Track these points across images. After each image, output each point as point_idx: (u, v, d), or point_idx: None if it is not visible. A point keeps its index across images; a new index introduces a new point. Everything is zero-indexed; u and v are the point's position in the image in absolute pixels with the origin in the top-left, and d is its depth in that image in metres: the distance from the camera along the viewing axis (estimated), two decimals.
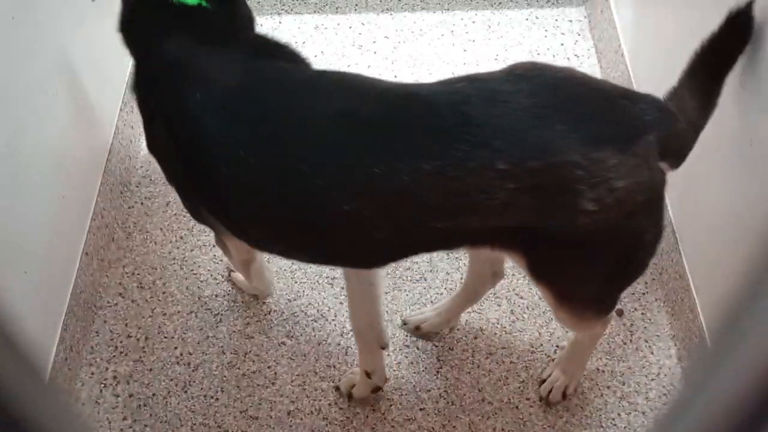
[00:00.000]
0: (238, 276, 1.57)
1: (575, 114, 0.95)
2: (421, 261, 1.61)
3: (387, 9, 2.12)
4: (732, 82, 1.25)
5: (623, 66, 1.78)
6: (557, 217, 0.96)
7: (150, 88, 1.10)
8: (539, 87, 0.97)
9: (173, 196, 1.72)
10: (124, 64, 1.77)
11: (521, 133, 0.93)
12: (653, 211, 1.04)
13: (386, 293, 1.56)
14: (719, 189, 1.32)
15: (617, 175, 0.93)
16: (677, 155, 1.06)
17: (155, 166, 1.76)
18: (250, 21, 1.17)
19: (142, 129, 1.81)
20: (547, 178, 0.93)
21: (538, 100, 0.95)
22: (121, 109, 1.71)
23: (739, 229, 1.25)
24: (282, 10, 2.12)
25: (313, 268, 1.60)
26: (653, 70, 1.64)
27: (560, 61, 1.98)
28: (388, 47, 2.03)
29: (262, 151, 0.99)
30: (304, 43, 2.03)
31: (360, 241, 1.03)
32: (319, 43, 2.03)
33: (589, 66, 1.96)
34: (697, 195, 1.42)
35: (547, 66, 1.05)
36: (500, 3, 2.13)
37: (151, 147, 1.16)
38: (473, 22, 2.08)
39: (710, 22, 1.34)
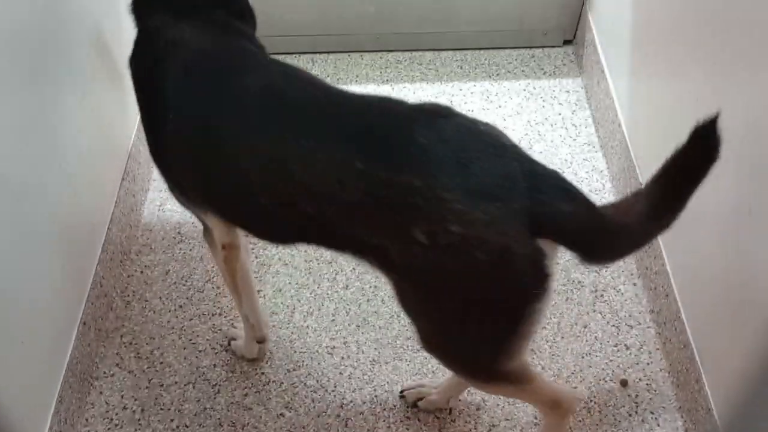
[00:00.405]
0: (238, 343, 1.56)
1: (457, 152, 0.97)
2: None
3: (387, 80, 2.16)
4: (728, 153, 1.26)
5: (620, 135, 1.80)
6: (395, 237, 0.99)
7: (139, 52, 1.27)
8: (445, 125, 1.01)
9: (173, 264, 1.72)
10: (126, 135, 1.79)
11: (391, 147, 0.99)
12: (503, 279, 0.98)
13: (387, 363, 1.54)
14: (720, 258, 1.32)
15: (456, 220, 0.94)
16: (583, 246, 1.01)
17: (156, 234, 1.78)
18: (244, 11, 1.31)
19: (143, 197, 1.84)
20: (392, 193, 0.97)
21: (435, 134, 0.99)
22: (123, 179, 1.72)
23: (741, 299, 1.24)
24: None
25: (311, 337, 1.59)
26: (650, 140, 1.66)
27: (559, 131, 2.00)
28: None
29: (196, 105, 1.13)
30: None
31: (254, 206, 1.12)
32: None
33: (587, 135, 1.99)
34: (697, 264, 1.42)
35: (461, 114, 1.06)
36: (498, 74, 2.17)
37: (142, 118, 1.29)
38: (472, 93, 2.12)
39: (704, 93, 1.36)
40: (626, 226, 1.04)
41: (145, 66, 1.24)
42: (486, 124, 1.04)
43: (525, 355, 1.14)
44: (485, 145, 1.00)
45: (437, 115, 1.03)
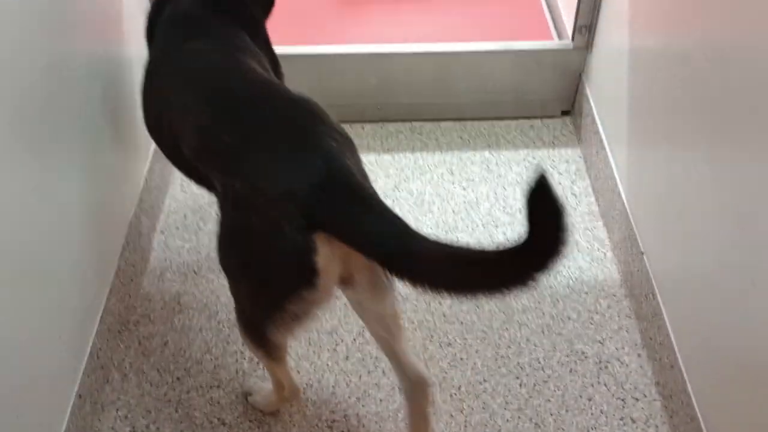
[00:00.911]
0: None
1: (279, 132, 1.15)
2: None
3: (388, 150, 2.18)
4: (730, 223, 1.26)
5: (620, 205, 1.81)
6: (217, 182, 1.19)
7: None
8: (289, 108, 1.20)
9: (172, 335, 1.70)
10: (128, 204, 1.80)
11: (231, 112, 1.20)
12: (272, 251, 1.10)
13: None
14: (725, 329, 1.30)
15: (244, 182, 1.11)
16: (369, 254, 1.07)
17: (155, 304, 1.76)
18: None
19: (144, 267, 1.83)
20: (216, 146, 1.18)
21: (273, 111, 1.19)
22: (123, 248, 1.72)
23: (749, 370, 1.22)
24: None
25: (311, 410, 1.56)
26: (650, 209, 1.66)
27: None
28: (390, 186, 2.07)
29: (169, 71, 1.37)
30: None
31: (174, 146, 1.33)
32: None
33: (587, 204, 1.99)
34: (702, 335, 1.40)
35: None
36: (498, 144, 2.19)
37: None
38: (472, 162, 2.13)
39: (702, 163, 1.37)
40: (422, 259, 1.05)
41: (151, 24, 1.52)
42: (323, 124, 1.17)
43: (292, 338, 1.28)
44: (307, 137, 1.12)
45: (294, 102, 1.21)
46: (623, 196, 1.81)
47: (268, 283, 1.15)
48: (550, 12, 2.45)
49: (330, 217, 1.06)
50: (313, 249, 1.07)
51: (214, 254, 1.88)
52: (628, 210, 1.77)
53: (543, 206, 0.94)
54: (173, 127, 1.30)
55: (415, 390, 1.38)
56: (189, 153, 1.26)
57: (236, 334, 1.69)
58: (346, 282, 1.19)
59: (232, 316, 1.73)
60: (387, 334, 1.36)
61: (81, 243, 1.51)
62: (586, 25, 2.07)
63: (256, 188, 1.09)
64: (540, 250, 0.96)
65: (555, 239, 0.94)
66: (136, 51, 1.86)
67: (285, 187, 1.07)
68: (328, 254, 1.08)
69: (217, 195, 1.21)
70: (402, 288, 1.78)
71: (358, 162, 1.18)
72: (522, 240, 0.96)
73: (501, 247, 0.99)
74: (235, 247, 1.17)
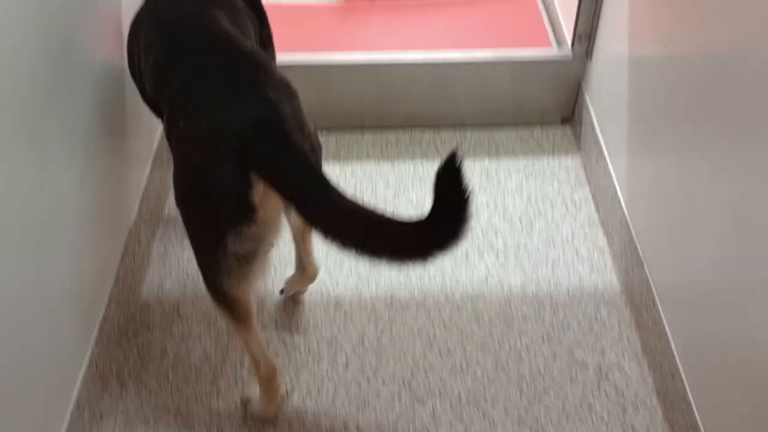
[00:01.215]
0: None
1: (227, 81, 1.23)
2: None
3: (387, 158, 2.18)
4: (729, 229, 1.26)
5: (620, 213, 1.81)
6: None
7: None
8: (242, 60, 1.28)
9: (171, 344, 1.69)
10: (127, 213, 1.79)
11: (187, 56, 1.31)
12: (210, 182, 1.19)
13: None
14: (726, 337, 1.30)
15: (187, 118, 1.22)
16: (291, 201, 1.16)
17: (154, 313, 1.76)
18: None
19: (143, 276, 1.83)
20: (165, 85, 1.32)
21: (225, 62, 1.27)
22: (123, 257, 1.71)
23: (750, 379, 1.22)
24: None
25: (310, 419, 1.55)
26: (651, 217, 1.66)
27: (559, 208, 2.01)
28: (390, 194, 2.07)
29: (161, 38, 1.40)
30: None
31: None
32: None
33: (587, 213, 1.99)
34: (703, 343, 1.40)
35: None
36: (497, 152, 2.19)
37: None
38: (471, 170, 2.13)
39: (702, 170, 1.37)
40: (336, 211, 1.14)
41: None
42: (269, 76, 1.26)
43: (248, 289, 1.32)
44: (247, 84, 1.22)
45: (243, 52, 1.30)
46: (623, 204, 1.81)
47: (209, 220, 1.23)
48: (550, 20, 2.45)
49: (258, 158, 1.16)
50: (249, 185, 1.17)
51: None
52: (628, 218, 1.77)
53: (450, 188, 1.01)
54: (140, 65, 1.45)
55: (303, 275, 1.69)
56: (149, 88, 1.41)
57: (235, 343, 1.69)
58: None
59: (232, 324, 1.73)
60: (301, 239, 1.60)
61: (80, 251, 1.51)
62: (586, 34, 2.07)
63: (197, 127, 1.20)
64: (441, 228, 1.04)
65: (456, 220, 1.02)
66: None
67: (221, 128, 1.17)
68: (264, 190, 1.17)
69: (168, 132, 1.31)
70: (402, 296, 1.78)
71: (298, 111, 1.27)
72: (425, 216, 1.04)
73: (405, 219, 1.08)
74: (181, 183, 1.25)
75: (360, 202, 1.13)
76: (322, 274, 1.84)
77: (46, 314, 1.36)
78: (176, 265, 1.88)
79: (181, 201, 1.27)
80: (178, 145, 1.25)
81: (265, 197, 1.18)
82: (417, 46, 2.26)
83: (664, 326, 1.55)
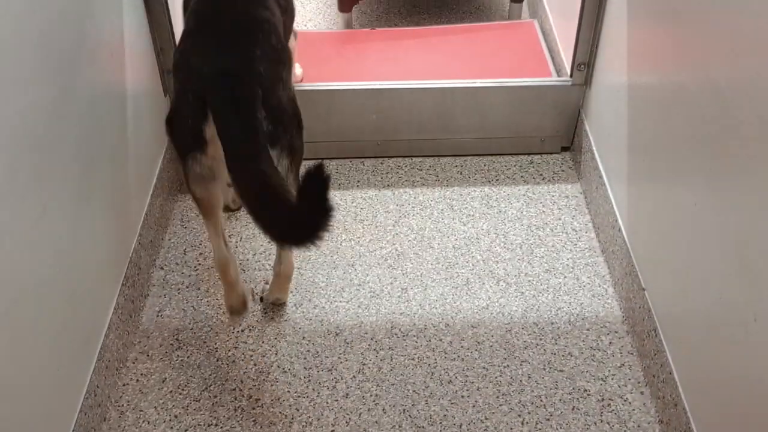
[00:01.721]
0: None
1: (219, 39, 1.48)
2: None
3: (388, 185, 2.19)
4: (731, 257, 1.26)
5: (621, 240, 1.81)
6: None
7: None
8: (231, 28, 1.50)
9: (170, 372, 1.68)
10: (128, 240, 1.79)
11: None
12: (188, 106, 1.44)
13: None
14: (728, 365, 1.29)
15: (179, 55, 1.51)
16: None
17: (153, 341, 1.75)
18: None
19: (143, 303, 1.83)
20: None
21: (218, 29, 1.51)
22: (123, 284, 1.71)
23: (753, 407, 1.21)
24: None
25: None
26: (651, 244, 1.66)
27: (559, 236, 2.01)
28: (390, 221, 2.07)
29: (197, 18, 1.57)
30: None
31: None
32: None
33: (588, 240, 1.99)
34: (705, 372, 1.39)
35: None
36: (498, 179, 2.20)
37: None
38: (472, 198, 2.14)
39: (702, 198, 1.37)
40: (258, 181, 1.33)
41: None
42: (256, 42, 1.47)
43: (207, 194, 1.56)
44: (238, 43, 1.44)
45: (250, 18, 1.52)
46: (623, 231, 1.81)
47: (178, 138, 1.51)
48: (549, 49, 2.47)
49: (212, 100, 1.37)
50: (205, 120, 1.38)
51: (213, 290, 1.88)
52: (629, 246, 1.77)
53: (315, 191, 1.24)
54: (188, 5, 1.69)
55: (278, 274, 1.76)
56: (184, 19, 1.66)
57: (235, 371, 1.68)
58: None
59: (231, 352, 1.72)
60: None
61: (79, 279, 1.51)
62: (585, 63, 2.09)
63: (187, 60, 1.45)
64: (309, 221, 1.26)
65: (322, 218, 1.24)
66: (138, 87, 1.87)
67: (199, 67, 1.41)
68: (212, 136, 1.37)
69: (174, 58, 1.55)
70: (402, 324, 1.78)
71: (276, 74, 1.47)
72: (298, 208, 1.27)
73: (287, 203, 1.29)
74: (172, 101, 1.56)
75: (273, 176, 1.32)
76: (322, 302, 1.84)
77: (45, 342, 1.35)
78: (176, 292, 1.87)
79: (167, 117, 1.55)
80: (174, 68, 1.52)
81: (216, 136, 1.37)
82: (417, 75, 2.27)
83: (666, 354, 1.54)
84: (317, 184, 1.24)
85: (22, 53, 1.26)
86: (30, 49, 1.29)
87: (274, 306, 1.83)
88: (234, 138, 1.34)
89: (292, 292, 1.86)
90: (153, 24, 1.97)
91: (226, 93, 1.37)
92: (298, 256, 1.96)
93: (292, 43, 1.98)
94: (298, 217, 1.28)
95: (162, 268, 1.94)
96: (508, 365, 1.69)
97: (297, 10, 1.94)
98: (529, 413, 1.60)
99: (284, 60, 1.52)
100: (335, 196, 2.14)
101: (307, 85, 2.18)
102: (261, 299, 1.84)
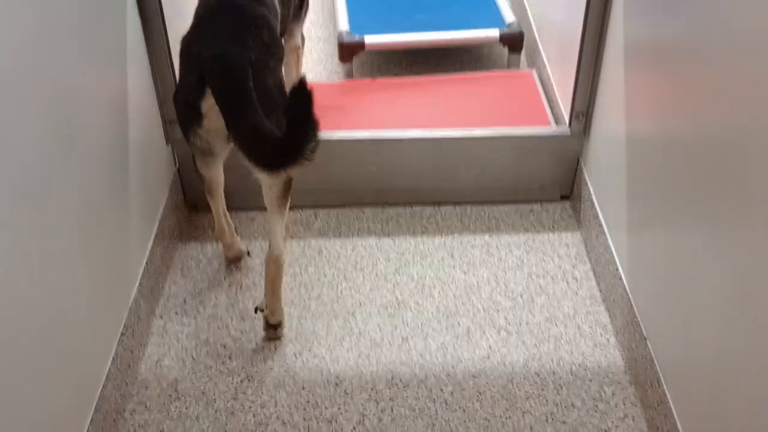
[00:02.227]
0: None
1: (220, 32, 1.66)
2: None
3: (388, 234, 2.19)
4: (733, 309, 1.25)
5: (621, 289, 1.80)
6: None
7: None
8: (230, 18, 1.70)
9: (168, 423, 1.66)
10: (127, 289, 1.79)
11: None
12: (192, 76, 1.64)
13: None
14: (732, 415, 1.28)
15: (187, 45, 1.67)
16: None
17: (152, 391, 1.73)
18: None
19: (141, 353, 1.81)
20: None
21: (219, 21, 1.70)
22: (122, 334, 1.70)
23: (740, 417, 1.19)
24: (287, 234, 2.18)
25: None
26: (652, 293, 1.65)
27: (560, 284, 2.00)
28: (390, 270, 2.06)
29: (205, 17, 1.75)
30: (307, 266, 2.07)
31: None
32: (322, 266, 2.07)
33: (589, 289, 1.99)
34: (711, 422, 1.37)
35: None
36: (498, 227, 2.20)
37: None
38: (472, 246, 2.14)
39: (702, 246, 1.37)
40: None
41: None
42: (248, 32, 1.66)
43: (209, 171, 1.86)
44: (237, 35, 1.63)
45: (251, 16, 1.70)
46: (624, 280, 1.80)
47: (182, 115, 1.71)
48: (547, 99, 2.50)
49: (210, 77, 1.57)
50: (201, 95, 1.60)
51: (213, 339, 1.87)
52: (630, 295, 1.76)
53: (300, 109, 1.41)
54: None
55: (269, 256, 1.81)
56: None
57: (234, 423, 1.66)
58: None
59: (230, 403, 1.70)
60: (268, 208, 1.78)
61: (78, 328, 1.50)
62: (583, 112, 2.11)
63: (188, 48, 1.66)
64: (292, 144, 1.44)
65: (302, 138, 1.43)
66: (141, 136, 1.89)
67: (200, 51, 1.61)
68: (212, 104, 1.57)
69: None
70: (403, 374, 1.76)
71: (267, 62, 1.65)
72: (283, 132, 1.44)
73: (275, 134, 1.47)
74: (177, 83, 1.75)
75: (262, 121, 1.50)
76: (321, 351, 1.83)
77: (41, 392, 1.34)
78: (175, 342, 1.86)
79: (174, 98, 1.74)
80: (180, 55, 1.68)
81: (211, 110, 1.59)
82: (417, 124, 2.29)
83: (669, 405, 1.52)
84: (301, 104, 1.41)
85: (27, 105, 1.28)
86: (35, 100, 1.31)
87: (272, 330, 1.86)
88: (228, 97, 1.54)
89: (291, 341, 1.85)
90: (156, 74, 2.00)
91: (222, 70, 1.57)
92: (298, 303, 1.95)
93: (297, 42, 2.36)
94: (286, 140, 1.45)
95: (161, 317, 1.93)
96: (510, 416, 1.67)
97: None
98: None
99: (273, 52, 1.71)
100: (335, 245, 2.14)
101: None
102: (256, 310, 1.90)
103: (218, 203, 1.96)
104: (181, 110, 1.72)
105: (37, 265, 1.32)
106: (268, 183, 1.71)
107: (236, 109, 1.53)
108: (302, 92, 1.39)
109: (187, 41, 1.68)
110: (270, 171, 1.49)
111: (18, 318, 1.25)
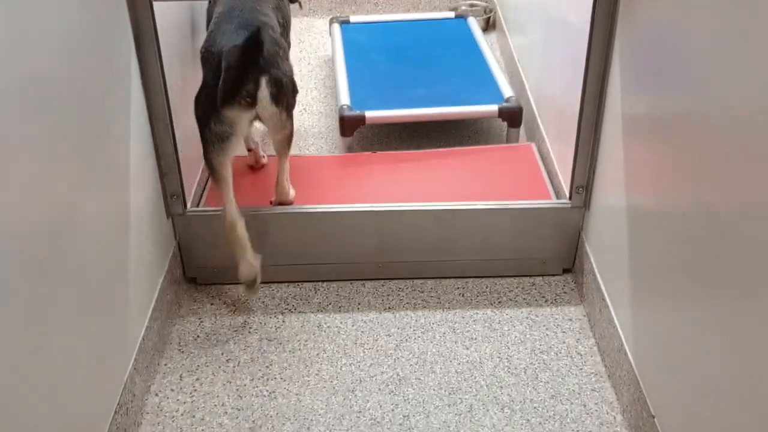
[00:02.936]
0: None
1: (235, 31, 1.98)
2: None
3: (389, 308, 2.16)
4: (742, 384, 1.22)
5: (627, 365, 1.77)
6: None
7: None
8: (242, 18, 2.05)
9: None
10: (122, 366, 1.76)
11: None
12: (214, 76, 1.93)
13: None
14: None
15: (207, 46, 2.02)
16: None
17: None
18: None
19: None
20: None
21: (235, 21, 2.04)
22: (116, 412, 1.66)
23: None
24: (286, 309, 2.16)
25: None
26: (659, 369, 1.62)
27: (564, 360, 1.96)
28: (391, 345, 2.03)
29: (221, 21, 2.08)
30: (306, 341, 2.04)
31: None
32: (321, 342, 2.04)
33: (593, 364, 1.95)
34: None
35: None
36: (500, 302, 2.18)
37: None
38: (474, 321, 2.11)
39: (707, 320, 1.34)
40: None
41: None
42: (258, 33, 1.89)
43: (221, 164, 2.00)
44: (247, 35, 1.87)
45: (259, 21, 2.02)
46: (630, 355, 1.77)
47: (205, 107, 1.94)
48: (547, 172, 2.51)
49: (227, 56, 1.85)
50: (257, 88, 1.91)
51: (209, 418, 1.82)
52: (636, 370, 1.72)
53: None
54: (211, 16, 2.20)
55: (278, 194, 2.27)
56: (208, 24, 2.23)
57: None
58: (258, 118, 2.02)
59: None
60: (277, 153, 2.23)
61: (71, 406, 1.46)
62: (583, 185, 2.12)
63: (209, 49, 1.95)
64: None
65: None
66: (141, 210, 1.89)
67: (220, 47, 1.90)
68: (266, 94, 1.94)
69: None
70: None
71: (277, 51, 1.99)
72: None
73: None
74: (201, 84, 1.98)
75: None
76: (320, 430, 1.78)
77: None
78: (170, 421, 1.81)
79: (196, 95, 1.96)
80: (201, 59, 1.99)
81: (263, 98, 1.94)
82: (418, 197, 2.30)
83: None
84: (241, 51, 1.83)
85: (28, 178, 1.28)
86: (36, 162, 1.31)
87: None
88: (224, 77, 1.85)
89: (289, 419, 1.81)
90: (158, 149, 2.01)
91: (237, 50, 1.84)
92: (297, 380, 1.91)
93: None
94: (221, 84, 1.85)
95: (157, 395, 1.89)
96: None
97: (299, 99, 2.37)
98: None
99: (281, 44, 2.05)
100: (335, 320, 2.12)
101: (309, 207, 2.20)
102: (270, 203, 2.28)
103: (229, 192, 2.08)
104: (203, 105, 1.94)
105: (34, 340, 1.29)
106: (274, 137, 2.16)
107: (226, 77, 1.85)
108: (251, 41, 1.82)
109: (207, 44, 1.97)
110: (221, 106, 1.88)
111: (10, 394, 1.22)
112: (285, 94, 2.00)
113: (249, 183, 2.47)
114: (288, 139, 2.18)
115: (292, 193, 2.28)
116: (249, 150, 2.54)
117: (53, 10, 1.41)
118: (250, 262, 2.06)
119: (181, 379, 1.93)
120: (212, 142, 1.95)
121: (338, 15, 3.85)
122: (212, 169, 2.02)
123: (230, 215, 2.03)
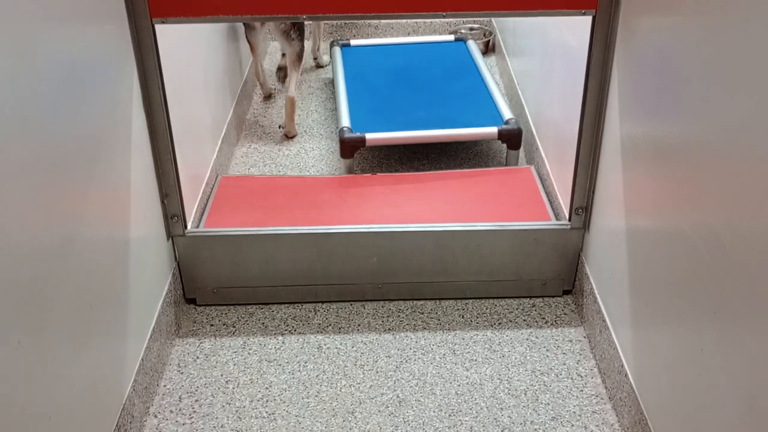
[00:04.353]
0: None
1: None
2: None
3: (389, 329, 2.16)
4: (743, 406, 1.22)
5: (628, 386, 1.76)
6: None
7: None
8: None
9: None
10: (121, 388, 1.75)
11: None
12: None
13: None
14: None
15: None
16: None
17: None
18: None
19: None
20: None
21: None
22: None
23: None
24: (286, 330, 2.15)
25: None
26: (660, 390, 1.61)
27: (564, 381, 1.96)
28: (391, 366, 2.02)
29: None
30: (305, 363, 2.03)
31: None
32: (321, 363, 2.03)
33: (594, 386, 1.94)
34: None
35: None
36: (500, 323, 2.17)
37: None
38: (474, 342, 2.10)
39: (708, 341, 1.34)
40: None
41: None
42: None
43: (253, 40, 3.24)
44: None
45: None
46: (630, 377, 1.76)
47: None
48: (547, 194, 2.52)
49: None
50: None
51: None
52: (637, 392, 1.72)
53: None
54: None
55: (287, 96, 3.10)
56: None
57: None
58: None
59: None
60: (288, 66, 3.12)
61: (70, 426, 1.45)
62: (582, 207, 2.12)
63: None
64: None
65: None
66: (141, 231, 1.89)
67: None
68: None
69: None
70: None
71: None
72: None
73: None
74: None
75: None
76: None
77: None
78: None
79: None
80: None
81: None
82: (418, 219, 2.30)
83: None
84: None
85: (28, 198, 1.28)
86: (34, 191, 1.31)
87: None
88: None
89: None
90: (159, 170, 2.02)
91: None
92: (296, 401, 1.90)
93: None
94: None
95: (156, 416, 1.88)
96: None
97: (299, 121, 3.10)
98: None
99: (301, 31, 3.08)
100: (335, 341, 2.11)
101: (309, 228, 2.21)
102: (279, 126, 3.21)
103: (259, 62, 3.22)
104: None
105: (32, 361, 1.29)
106: (288, 50, 2.97)
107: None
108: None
109: None
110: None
111: (9, 415, 1.21)
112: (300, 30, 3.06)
113: (255, 204, 2.48)
114: (297, 54, 3.07)
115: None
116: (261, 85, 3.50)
117: (55, 34, 1.42)
118: (269, 87, 3.53)
119: (180, 401, 1.92)
120: (248, 30, 3.14)
121: (339, 38, 3.89)
122: (249, 43, 3.23)
123: (257, 70, 3.37)
